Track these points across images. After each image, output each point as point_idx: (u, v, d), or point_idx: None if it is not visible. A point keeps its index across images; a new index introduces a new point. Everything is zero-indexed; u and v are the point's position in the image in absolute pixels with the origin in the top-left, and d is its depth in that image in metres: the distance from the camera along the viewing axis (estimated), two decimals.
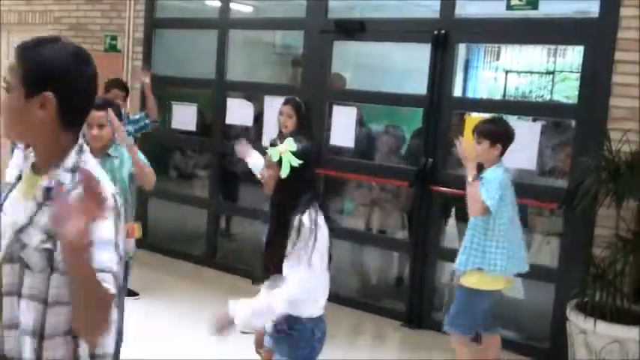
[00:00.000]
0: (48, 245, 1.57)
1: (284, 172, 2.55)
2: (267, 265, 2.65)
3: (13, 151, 3.07)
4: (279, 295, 2.51)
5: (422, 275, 4.96)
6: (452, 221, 5.58)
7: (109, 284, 1.49)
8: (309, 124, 4.40)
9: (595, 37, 4.20)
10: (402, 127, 5.96)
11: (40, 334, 1.58)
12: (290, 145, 2.57)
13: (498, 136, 3.63)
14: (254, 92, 6.07)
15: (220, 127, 6.08)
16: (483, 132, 3.65)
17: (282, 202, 2.62)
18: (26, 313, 1.59)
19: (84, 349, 1.62)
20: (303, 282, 2.53)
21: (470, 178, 3.60)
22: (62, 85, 1.56)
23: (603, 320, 3.66)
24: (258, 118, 5.78)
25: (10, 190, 1.72)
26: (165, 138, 6.49)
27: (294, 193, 2.58)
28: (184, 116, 6.25)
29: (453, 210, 5.32)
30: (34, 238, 1.58)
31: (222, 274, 5.95)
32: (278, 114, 4.36)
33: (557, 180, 4.98)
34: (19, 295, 1.61)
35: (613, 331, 3.65)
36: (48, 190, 1.60)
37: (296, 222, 2.52)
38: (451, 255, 4.00)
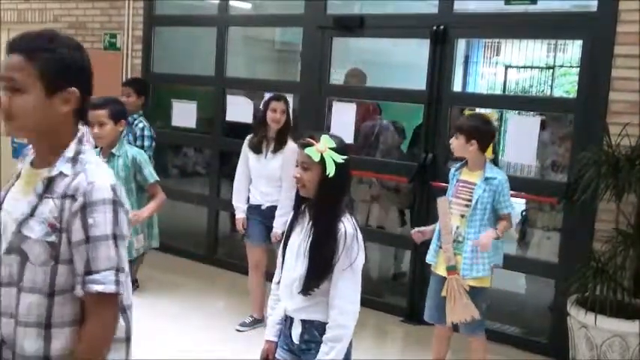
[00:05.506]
0: (52, 238, 1.58)
1: (330, 171, 2.35)
2: (312, 271, 2.40)
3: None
4: (344, 311, 2.39)
5: (422, 271, 4.96)
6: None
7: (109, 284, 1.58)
8: (295, 122, 4.49)
9: (594, 31, 4.19)
10: (402, 123, 5.95)
11: (46, 325, 1.60)
12: (328, 141, 2.38)
13: (471, 132, 3.54)
14: (254, 89, 6.06)
15: (220, 124, 6.08)
16: (460, 127, 3.61)
17: (328, 203, 2.41)
18: (29, 306, 1.60)
19: None
20: (357, 288, 2.43)
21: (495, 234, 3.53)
22: (82, 80, 1.65)
23: (604, 315, 3.65)
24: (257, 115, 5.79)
25: (9, 188, 1.73)
26: (165, 136, 6.49)
27: (339, 192, 2.43)
28: (184, 114, 6.25)
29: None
30: (36, 229, 1.59)
31: (223, 272, 5.97)
32: (269, 111, 4.39)
33: (557, 174, 4.98)
34: (19, 288, 1.62)
35: (614, 325, 3.65)
36: (50, 181, 1.62)
37: (340, 229, 2.38)
38: None
